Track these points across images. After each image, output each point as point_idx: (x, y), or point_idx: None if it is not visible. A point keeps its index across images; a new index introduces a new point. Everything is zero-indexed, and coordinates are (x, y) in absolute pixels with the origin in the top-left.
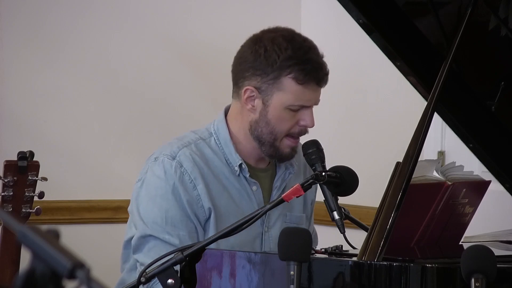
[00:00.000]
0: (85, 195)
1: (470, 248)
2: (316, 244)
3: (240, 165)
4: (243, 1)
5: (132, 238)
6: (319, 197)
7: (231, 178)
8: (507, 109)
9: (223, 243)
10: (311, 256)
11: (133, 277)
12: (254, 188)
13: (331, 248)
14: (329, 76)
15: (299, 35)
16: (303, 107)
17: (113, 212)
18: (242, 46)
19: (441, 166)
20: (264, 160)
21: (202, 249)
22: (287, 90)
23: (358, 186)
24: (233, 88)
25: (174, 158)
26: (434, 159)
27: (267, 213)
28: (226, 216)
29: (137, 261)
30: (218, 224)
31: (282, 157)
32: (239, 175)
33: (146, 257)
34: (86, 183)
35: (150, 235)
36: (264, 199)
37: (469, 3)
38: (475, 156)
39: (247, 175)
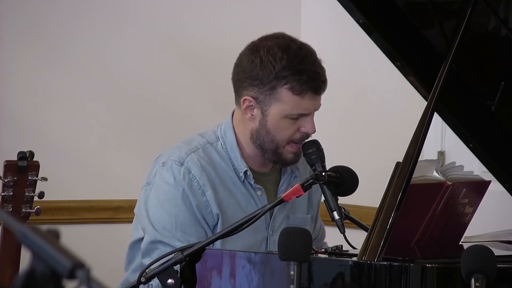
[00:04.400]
0: (85, 195)
1: (470, 248)
2: (324, 237)
3: (245, 172)
4: (243, 1)
5: (138, 240)
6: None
7: (237, 183)
8: (507, 109)
9: (229, 247)
10: (311, 256)
11: None
12: (259, 193)
13: (331, 248)
14: (329, 76)
15: (295, 42)
16: (302, 115)
17: (113, 212)
18: (240, 55)
19: (441, 166)
20: (268, 164)
21: (202, 249)
22: (284, 100)
23: (358, 186)
24: (234, 94)
25: (182, 164)
26: (434, 159)
27: (272, 216)
28: (233, 221)
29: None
30: None
31: (286, 163)
32: (243, 181)
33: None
34: (86, 183)
35: (160, 241)
36: None
37: (469, 3)
38: (475, 156)
39: (252, 182)
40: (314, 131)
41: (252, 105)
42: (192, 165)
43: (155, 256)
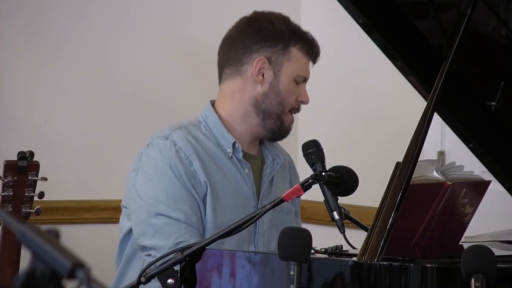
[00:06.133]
0: (85, 195)
1: (470, 248)
2: None
3: (234, 144)
4: (243, 1)
5: (128, 232)
6: (319, 197)
7: (224, 159)
8: (507, 109)
9: (220, 220)
10: (311, 256)
11: (132, 266)
12: (246, 171)
13: (331, 248)
14: (329, 75)
15: None
16: (303, 81)
17: (113, 212)
18: (237, 27)
19: (441, 166)
20: (254, 147)
21: (202, 249)
22: (295, 60)
23: (358, 186)
24: (226, 69)
25: (167, 138)
26: (434, 159)
27: (260, 198)
28: (222, 193)
29: (145, 246)
30: (215, 200)
31: (284, 131)
32: (231, 157)
33: (154, 239)
34: (86, 183)
35: (155, 214)
36: (255, 183)
37: (469, 3)
38: (475, 156)
39: (240, 155)
40: (309, 101)
41: (264, 67)
42: (177, 138)
43: (152, 233)
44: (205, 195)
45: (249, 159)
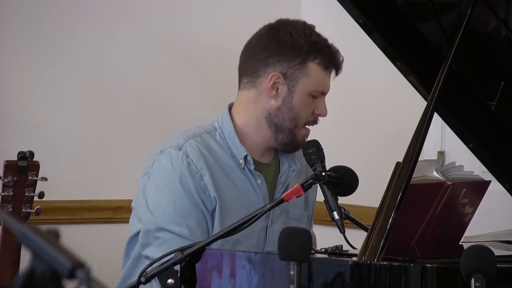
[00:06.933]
0: (85, 195)
1: (470, 248)
2: (315, 246)
3: (245, 157)
4: (243, 1)
5: (136, 233)
6: (319, 197)
7: (236, 170)
8: (507, 109)
9: (229, 239)
10: (311, 256)
11: (139, 267)
12: (259, 181)
13: (331, 248)
14: None
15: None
16: (321, 94)
17: (113, 212)
18: (258, 36)
19: (441, 166)
20: (269, 155)
21: (202, 249)
22: (312, 75)
23: (358, 186)
24: (244, 78)
25: (180, 149)
26: (434, 159)
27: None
28: (231, 207)
29: (147, 257)
30: (223, 215)
31: (297, 145)
32: (243, 168)
33: (157, 252)
34: (86, 183)
35: (160, 228)
36: (268, 194)
37: (469, 3)
38: (475, 156)
39: (252, 168)
40: (327, 114)
41: (279, 82)
42: (190, 149)
43: (156, 245)
44: (214, 209)
45: (263, 168)
